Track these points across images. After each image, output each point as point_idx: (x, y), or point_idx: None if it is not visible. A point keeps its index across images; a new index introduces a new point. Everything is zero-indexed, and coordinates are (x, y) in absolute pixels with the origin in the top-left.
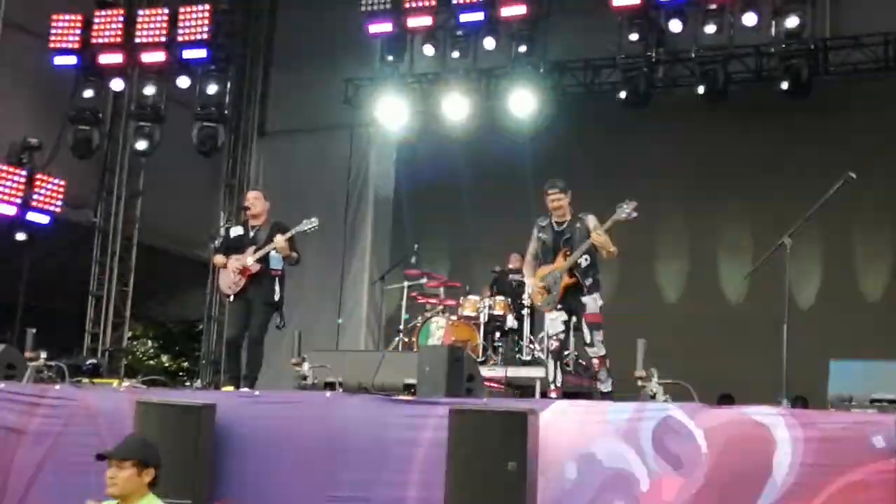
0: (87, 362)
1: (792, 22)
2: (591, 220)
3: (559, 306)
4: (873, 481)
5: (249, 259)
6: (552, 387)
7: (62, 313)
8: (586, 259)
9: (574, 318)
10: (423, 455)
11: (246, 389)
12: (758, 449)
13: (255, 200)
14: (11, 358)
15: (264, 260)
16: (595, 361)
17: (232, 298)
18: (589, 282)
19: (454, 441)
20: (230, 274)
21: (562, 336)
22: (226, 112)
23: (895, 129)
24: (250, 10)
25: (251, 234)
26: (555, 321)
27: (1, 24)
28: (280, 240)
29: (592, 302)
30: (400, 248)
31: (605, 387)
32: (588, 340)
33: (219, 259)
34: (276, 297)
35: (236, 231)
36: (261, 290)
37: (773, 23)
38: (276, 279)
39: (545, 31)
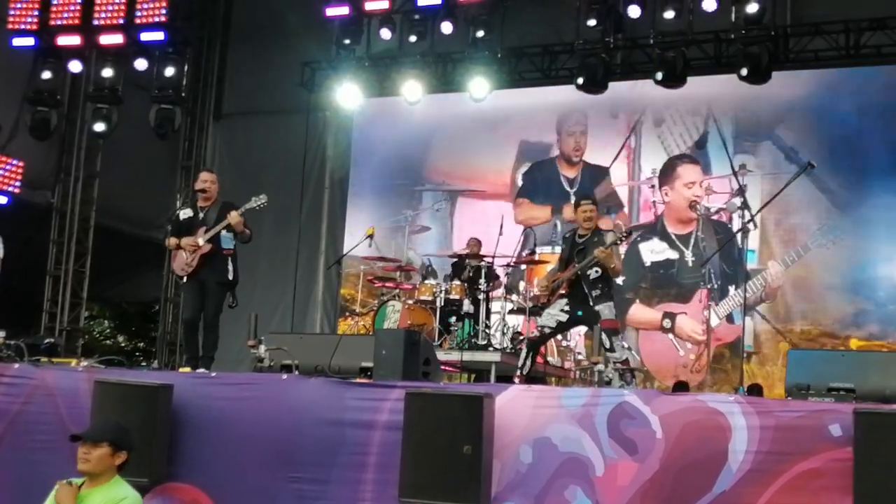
0: (45, 341)
1: (752, 8)
2: (609, 237)
3: (565, 308)
4: (829, 470)
5: (200, 239)
6: (518, 373)
7: (20, 293)
8: (596, 272)
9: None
10: (380, 438)
11: (203, 370)
12: (713, 436)
13: (212, 184)
14: None
15: (215, 240)
16: (619, 366)
17: (185, 279)
18: (596, 293)
19: (410, 424)
20: (182, 255)
21: (547, 331)
22: (183, 94)
23: None
24: None
25: (201, 215)
26: (551, 316)
27: None
28: (234, 215)
29: (607, 310)
30: (356, 231)
31: (632, 389)
32: (608, 346)
33: (171, 241)
34: (230, 277)
35: (186, 213)
36: (213, 271)
37: (733, 8)
38: (229, 259)
39: (503, 17)
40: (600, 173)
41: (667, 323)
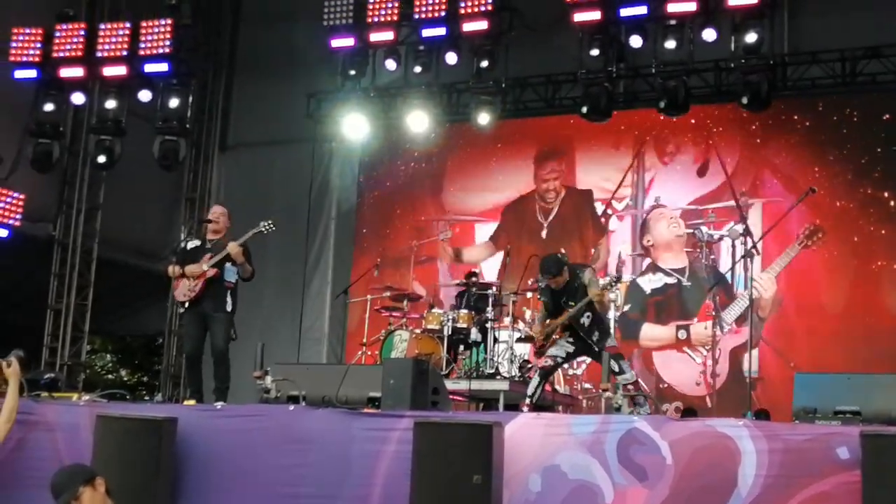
0: (45, 376)
1: (751, 37)
2: (587, 275)
3: (570, 339)
4: (838, 493)
5: (205, 265)
6: (527, 401)
7: (20, 327)
8: (588, 316)
9: (585, 357)
10: (386, 468)
11: (221, 403)
12: (723, 461)
13: (220, 216)
14: None
15: (219, 268)
16: (630, 387)
17: (186, 305)
18: (595, 337)
19: (419, 454)
20: (185, 282)
21: (559, 360)
22: (187, 126)
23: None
24: (212, 24)
25: (208, 245)
26: (560, 346)
27: None
28: (233, 245)
29: (610, 340)
30: (362, 261)
31: (644, 410)
32: (617, 370)
33: (174, 269)
34: (229, 308)
35: (193, 243)
36: (214, 300)
37: (733, 38)
38: (229, 291)
39: (506, 47)
40: (583, 200)
41: (682, 334)
